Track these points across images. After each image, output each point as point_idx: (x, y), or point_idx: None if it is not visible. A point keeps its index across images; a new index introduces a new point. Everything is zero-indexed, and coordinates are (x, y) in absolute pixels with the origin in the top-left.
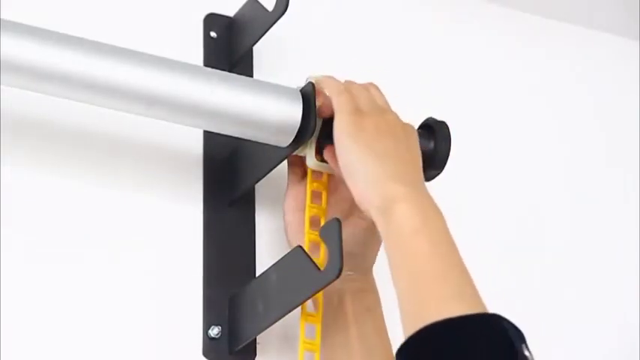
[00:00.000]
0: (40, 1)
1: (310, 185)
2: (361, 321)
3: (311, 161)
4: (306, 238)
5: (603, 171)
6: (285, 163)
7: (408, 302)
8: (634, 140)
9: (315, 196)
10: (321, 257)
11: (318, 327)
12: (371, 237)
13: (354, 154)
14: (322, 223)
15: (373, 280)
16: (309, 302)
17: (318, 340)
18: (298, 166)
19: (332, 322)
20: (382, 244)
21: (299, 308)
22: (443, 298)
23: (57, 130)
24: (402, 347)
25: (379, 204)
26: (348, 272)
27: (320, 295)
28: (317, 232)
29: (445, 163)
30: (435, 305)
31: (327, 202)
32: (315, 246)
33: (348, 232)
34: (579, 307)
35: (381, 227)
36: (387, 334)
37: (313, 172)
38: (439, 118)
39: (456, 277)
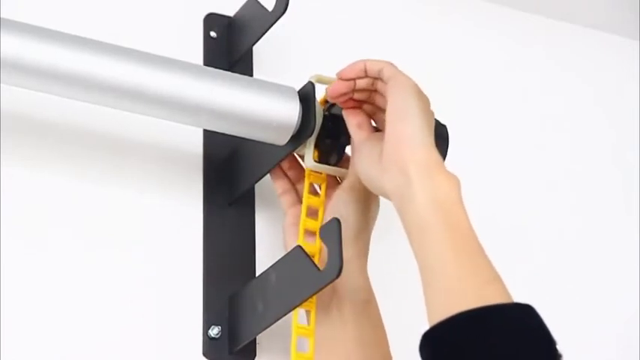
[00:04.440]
0: (40, 1)
1: (308, 178)
2: (358, 315)
3: (309, 161)
4: (301, 226)
5: (603, 170)
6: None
7: (433, 279)
8: (634, 140)
9: (312, 190)
10: (315, 245)
11: (313, 312)
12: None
13: (412, 109)
14: (320, 213)
15: (367, 275)
16: None
17: (312, 325)
18: (289, 194)
19: (327, 313)
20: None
21: None
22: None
23: (56, 129)
24: (430, 332)
25: (400, 179)
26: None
27: None
28: (313, 220)
29: None
30: (470, 291)
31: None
32: (310, 234)
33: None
34: (579, 307)
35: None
36: (384, 328)
37: (311, 171)
38: (439, 118)
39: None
